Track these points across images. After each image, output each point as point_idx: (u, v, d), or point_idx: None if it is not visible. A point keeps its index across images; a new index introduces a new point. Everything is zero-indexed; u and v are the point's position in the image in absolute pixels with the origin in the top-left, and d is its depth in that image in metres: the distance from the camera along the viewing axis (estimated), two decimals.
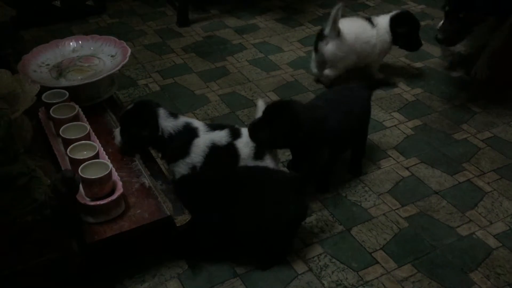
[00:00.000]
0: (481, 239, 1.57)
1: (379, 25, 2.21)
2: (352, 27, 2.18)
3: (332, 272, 1.46)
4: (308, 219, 1.63)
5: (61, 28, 2.70)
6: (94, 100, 1.77)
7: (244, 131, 1.59)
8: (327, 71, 2.23)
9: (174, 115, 1.56)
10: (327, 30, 2.12)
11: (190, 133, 1.54)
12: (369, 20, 2.24)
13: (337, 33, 2.12)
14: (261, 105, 1.65)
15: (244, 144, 1.55)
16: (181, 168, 1.53)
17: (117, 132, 1.57)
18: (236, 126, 1.62)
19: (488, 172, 1.84)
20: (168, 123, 1.52)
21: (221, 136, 1.55)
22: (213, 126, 1.59)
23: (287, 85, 2.31)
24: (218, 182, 1.44)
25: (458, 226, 1.62)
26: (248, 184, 1.43)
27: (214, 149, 1.53)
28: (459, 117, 2.12)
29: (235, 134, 1.56)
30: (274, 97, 2.21)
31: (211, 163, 1.53)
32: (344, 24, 2.14)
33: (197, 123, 1.57)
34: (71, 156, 1.38)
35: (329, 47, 2.14)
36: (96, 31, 2.54)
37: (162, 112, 1.53)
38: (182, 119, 1.56)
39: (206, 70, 2.41)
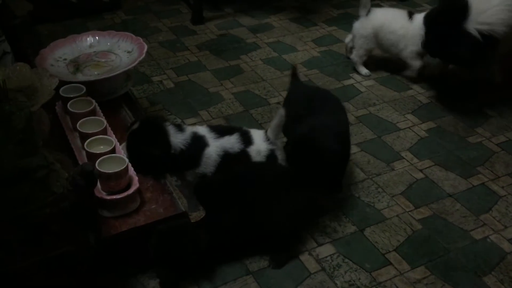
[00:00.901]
0: (495, 243, 1.56)
1: (417, 20, 2.21)
2: (384, 15, 2.30)
3: (345, 272, 1.46)
4: (320, 219, 1.63)
5: (77, 24, 2.71)
6: (110, 96, 1.78)
7: (255, 135, 1.52)
8: (351, 55, 2.43)
9: (181, 128, 1.47)
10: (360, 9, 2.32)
11: (199, 143, 1.47)
12: (410, 14, 2.27)
13: (366, 13, 2.30)
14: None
15: (256, 152, 1.50)
16: (190, 177, 1.49)
17: (123, 147, 1.46)
18: (244, 128, 1.56)
19: (503, 176, 1.82)
20: (177, 139, 1.44)
21: (232, 143, 1.48)
22: (221, 131, 1.51)
23: None
24: (223, 183, 1.44)
25: (472, 230, 1.61)
26: (249, 182, 1.43)
27: (225, 158, 1.47)
28: (473, 120, 2.11)
29: (246, 140, 1.50)
30: None
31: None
32: (378, 11, 2.32)
33: (203, 131, 1.50)
34: (88, 150, 1.39)
35: (356, 23, 2.34)
36: (111, 28, 2.54)
37: (171, 129, 1.45)
38: (189, 131, 1.48)
39: (220, 68, 2.41)
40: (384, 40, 2.29)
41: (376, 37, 2.30)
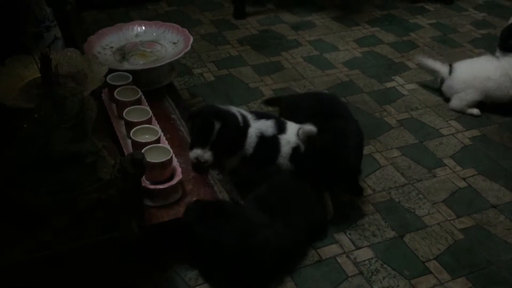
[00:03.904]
0: None
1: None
2: (470, 68, 2.14)
3: (383, 278, 1.43)
4: (359, 222, 1.60)
5: (120, 13, 2.74)
6: (153, 86, 1.78)
7: (290, 127, 1.55)
8: None
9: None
10: None
11: (244, 123, 1.54)
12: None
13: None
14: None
15: (286, 141, 1.53)
16: (235, 161, 1.53)
17: (199, 151, 1.46)
18: (282, 118, 1.60)
19: None
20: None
21: (267, 126, 1.54)
22: (259, 115, 1.58)
23: (342, 85, 2.28)
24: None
25: None
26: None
27: (261, 140, 1.53)
28: None
29: (280, 128, 1.55)
30: None
31: (257, 155, 1.53)
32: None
33: (244, 112, 1.58)
34: (134, 139, 1.40)
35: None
36: (154, 18, 2.57)
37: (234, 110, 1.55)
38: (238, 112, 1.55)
39: (260, 63, 2.40)
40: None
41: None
